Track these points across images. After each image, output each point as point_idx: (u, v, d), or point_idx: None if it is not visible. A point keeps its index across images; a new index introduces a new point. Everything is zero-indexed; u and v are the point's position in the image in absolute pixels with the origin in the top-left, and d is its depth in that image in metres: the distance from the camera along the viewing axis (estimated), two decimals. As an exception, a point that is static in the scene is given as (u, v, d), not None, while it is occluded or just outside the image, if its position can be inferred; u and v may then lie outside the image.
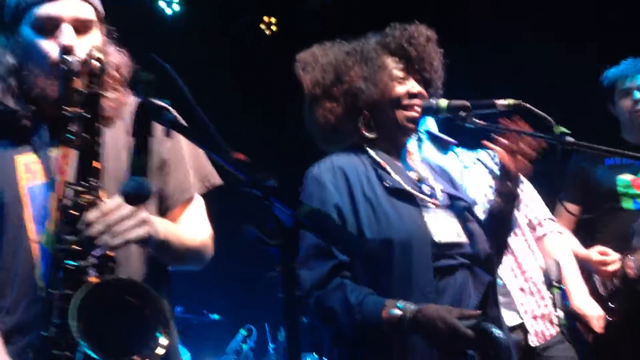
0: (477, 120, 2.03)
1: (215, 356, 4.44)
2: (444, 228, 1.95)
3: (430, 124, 3.05)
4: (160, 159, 1.81)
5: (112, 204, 1.54)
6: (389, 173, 2.02)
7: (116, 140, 1.76)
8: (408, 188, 1.99)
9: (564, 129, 1.91)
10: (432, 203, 2.02)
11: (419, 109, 2.07)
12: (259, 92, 5.36)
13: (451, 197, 2.10)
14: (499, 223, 2.06)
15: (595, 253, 3.14)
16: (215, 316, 4.75)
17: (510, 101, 1.97)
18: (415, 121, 2.08)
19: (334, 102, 2.05)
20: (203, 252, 1.83)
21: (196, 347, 4.74)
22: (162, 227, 1.65)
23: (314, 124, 2.10)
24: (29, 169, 1.71)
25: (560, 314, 2.18)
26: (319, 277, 1.87)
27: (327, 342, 2.04)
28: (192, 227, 1.82)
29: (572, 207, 3.26)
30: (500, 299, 2.68)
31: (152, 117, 1.38)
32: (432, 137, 3.04)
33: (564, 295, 2.35)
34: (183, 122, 1.56)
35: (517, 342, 2.69)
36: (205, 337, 4.95)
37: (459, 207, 2.07)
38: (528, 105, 1.94)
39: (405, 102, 2.05)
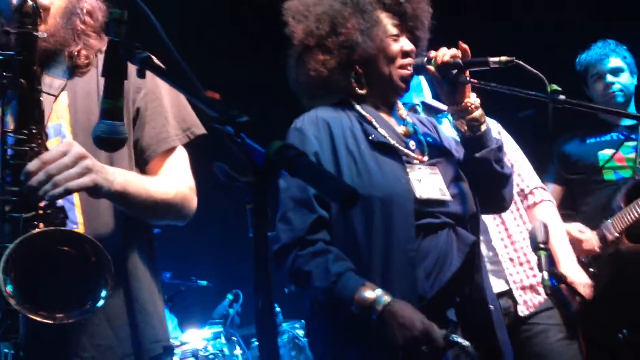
0: (469, 78, 1.95)
1: (202, 322, 4.40)
2: (428, 184, 1.88)
3: (426, 92, 2.99)
4: (136, 108, 1.71)
5: (54, 153, 1.45)
6: (375, 127, 1.95)
7: (88, 90, 1.67)
8: (393, 142, 1.93)
9: (556, 87, 1.85)
10: (417, 159, 1.94)
11: (411, 68, 2.00)
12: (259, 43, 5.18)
13: (440, 153, 2.02)
14: (475, 158, 1.96)
15: (574, 229, 3.15)
16: (204, 282, 4.72)
17: (503, 58, 1.90)
18: (407, 80, 2.01)
19: (327, 54, 1.96)
20: (180, 205, 1.72)
21: (184, 313, 4.72)
22: (120, 178, 1.55)
23: (302, 77, 2.00)
24: None
25: (545, 275, 2.11)
26: (299, 233, 1.81)
27: (307, 307, 1.98)
28: (168, 180, 1.71)
29: (557, 188, 3.36)
30: (489, 266, 2.70)
31: (124, 56, 1.27)
32: (427, 107, 2.99)
33: (550, 258, 2.29)
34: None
35: (505, 308, 2.67)
36: (194, 303, 4.92)
37: (446, 163, 1.99)
38: (521, 62, 1.87)
39: (399, 60, 1.98)
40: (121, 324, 1.62)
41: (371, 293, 1.72)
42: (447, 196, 1.88)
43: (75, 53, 1.66)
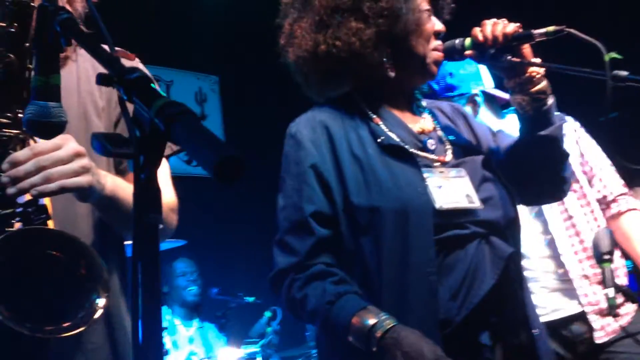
0: (510, 57, 1.64)
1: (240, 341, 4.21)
2: (451, 191, 1.58)
3: (485, 80, 2.65)
4: (118, 112, 1.55)
5: (47, 144, 1.27)
6: (384, 129, 1.65)
7: (66, 85, 1.46)
8: (406, 146, 1.63)
9: (615, 55, 1.54)
10: (439, 160, 1.65)
11: (441, 52, 1.70)
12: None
13: (466, 150, 1.71)
14: (541, 137, 1.65)
15: None
16: (251, 299, 4.52)
17: (550, 28, 1.59)
18: (439, 65, 1.71)
19: (362, 22, 1.62)
20: (164, 220, 1.54)
21: (230, 331, 4.54)
22: (111, 182, 1.38)
23: (324, 47, 1.62)
24: None
25: (610, 292, 1.80)
26: (296, 258, 1.56)
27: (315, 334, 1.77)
28: None
29: None
30: (559, 284, 2.43)
31: (52, 21, 1.08)
32: (488, 98, 2.65)
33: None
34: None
35: (578, 334, 2.39)
36: (240, 320, 4.75)
37: (475, 162, 1.68)
38: (572, 30, 1.57)
39: (433, 40, 1.69)
40: (98, 344, 1.43)
41: (372, 318, 1.43)
42: (475, 203, 1.58)
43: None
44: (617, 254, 2.40)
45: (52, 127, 1.15)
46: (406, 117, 1.72)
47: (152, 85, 0.81)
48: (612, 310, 1.84)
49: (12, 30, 1.31)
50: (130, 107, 0.85)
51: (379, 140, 1.61)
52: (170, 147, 1.60)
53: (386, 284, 1.50)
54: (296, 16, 1.70)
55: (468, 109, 2.59)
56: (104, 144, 0.79)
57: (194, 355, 4.29)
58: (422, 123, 1.71)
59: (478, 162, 1.67)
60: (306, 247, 1.54)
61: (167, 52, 5.49)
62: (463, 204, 1.57)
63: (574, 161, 2.51)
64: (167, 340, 4.16)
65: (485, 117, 2.60)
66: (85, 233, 1.45)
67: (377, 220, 1.52)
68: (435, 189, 1.56)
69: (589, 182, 2.55)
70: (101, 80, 0.86)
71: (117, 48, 0.98)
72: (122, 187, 1.42)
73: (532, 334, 1.57)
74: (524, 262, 2.52)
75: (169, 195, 1.58)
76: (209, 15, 5.47)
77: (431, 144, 1.67)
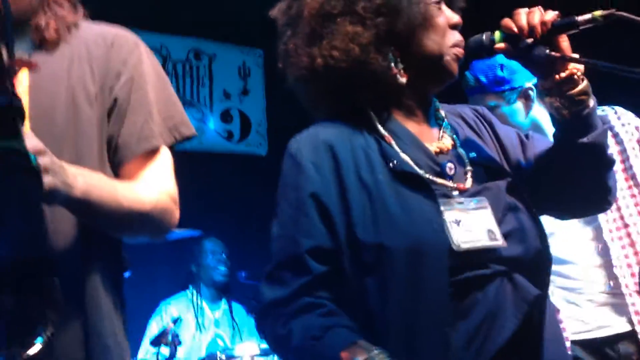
0: (548, 51, 1.40)
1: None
2: (471, 226, 1.37)
3: None
4: (113, 98, 1.43)
5: None
6: (397, 151, 1.43)
7: (56, 70, 1.39)
8: (421, 172, 1.41)
9: None
10: (458, 188, 1.43)
11: (462, 47, 1.48)
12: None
13: (489, 172, 1.49)
14: (583, 145, 1.43)
15: None
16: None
17: (597, 12, 1.35)
18: (458, 62, 1.49)
19: (359, 25, 1.42)
20: (158, 218, 1.41)
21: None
22: (83, 182, 1.24)
23: (320, 61, 1.44)
24: None
25: None
26: (286, 292, 1.37)
27: None
28: (146, 186, 1.41)
29: None
30: (608, 299, 2.27)
31: None
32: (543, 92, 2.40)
33: None
34: None
35: (625, 355, 2.23)
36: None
37: (498, 187, 1.46)
38: (623, 13, 1.33)
39: (449, 34, 1.46)
40: None
41: (362, 354, 1.23)
42: (498, 240, 1.37)
43: (43, 25, 1.39)
44: None
45: None
46: (423, 132, 1.50)
47: (13, 118, 0.63)
48: None
49: None
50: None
51: (391, 164, 1.40)
52: (172, 136, 1.47)
53: (393, 330, 1.31)
54: (290, 34, 1.51)
55: (520, 105, 2.37)
56: None
57: (220, 338, 4.23)
58: (440, 141, 1.50)
59: (501, 188, 1.45)
60: (299, 283, 1.35)
61: (210, 24, 5.35)
62: (484, 242, 1.36)
63: (636, 163, 2.30)
64: (191, 322, 4.11)
65: (539, 114, 2.38)
66: (67, 231, 1.32)
67: (385, 260, 1.31)
68: (453, 225, 1.35)
69: None
70: None
71: (18, 57, 0.83)
72: (99, 186, 1.29)
73: None
74: (569, 269, 2.37)
75: (170, 188, 1.45)
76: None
77: (450, 168, 1.45)
